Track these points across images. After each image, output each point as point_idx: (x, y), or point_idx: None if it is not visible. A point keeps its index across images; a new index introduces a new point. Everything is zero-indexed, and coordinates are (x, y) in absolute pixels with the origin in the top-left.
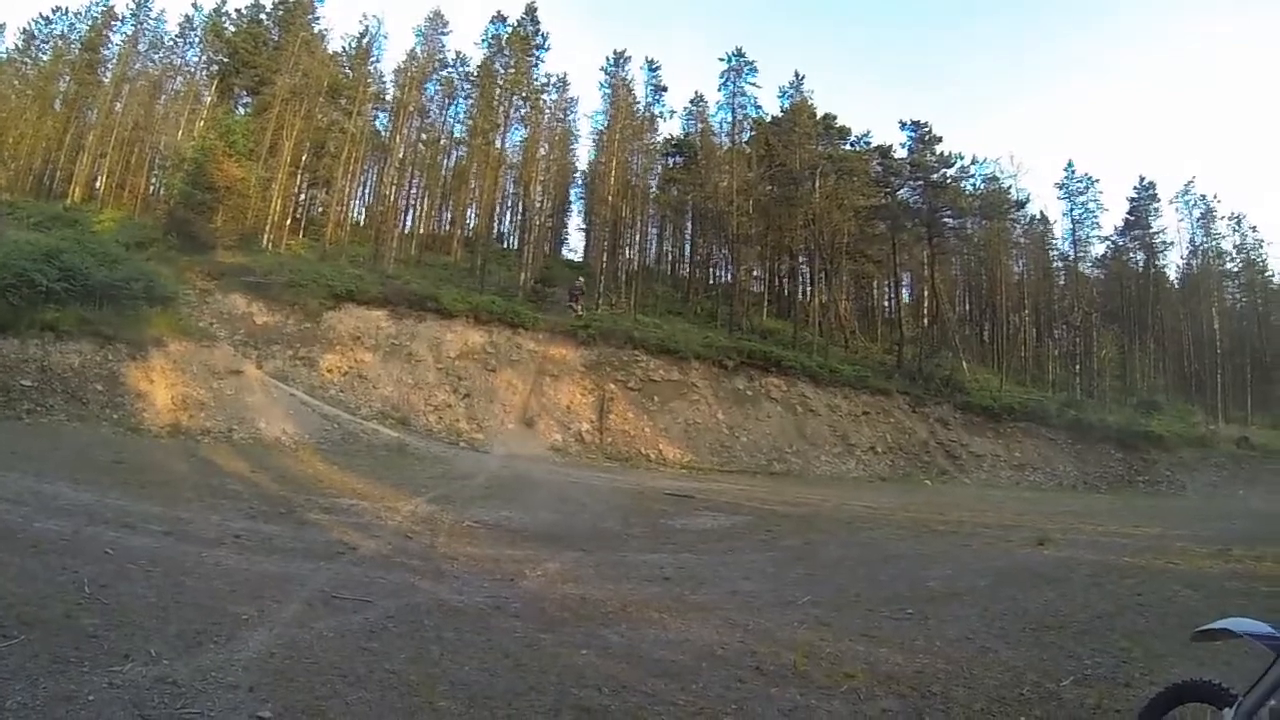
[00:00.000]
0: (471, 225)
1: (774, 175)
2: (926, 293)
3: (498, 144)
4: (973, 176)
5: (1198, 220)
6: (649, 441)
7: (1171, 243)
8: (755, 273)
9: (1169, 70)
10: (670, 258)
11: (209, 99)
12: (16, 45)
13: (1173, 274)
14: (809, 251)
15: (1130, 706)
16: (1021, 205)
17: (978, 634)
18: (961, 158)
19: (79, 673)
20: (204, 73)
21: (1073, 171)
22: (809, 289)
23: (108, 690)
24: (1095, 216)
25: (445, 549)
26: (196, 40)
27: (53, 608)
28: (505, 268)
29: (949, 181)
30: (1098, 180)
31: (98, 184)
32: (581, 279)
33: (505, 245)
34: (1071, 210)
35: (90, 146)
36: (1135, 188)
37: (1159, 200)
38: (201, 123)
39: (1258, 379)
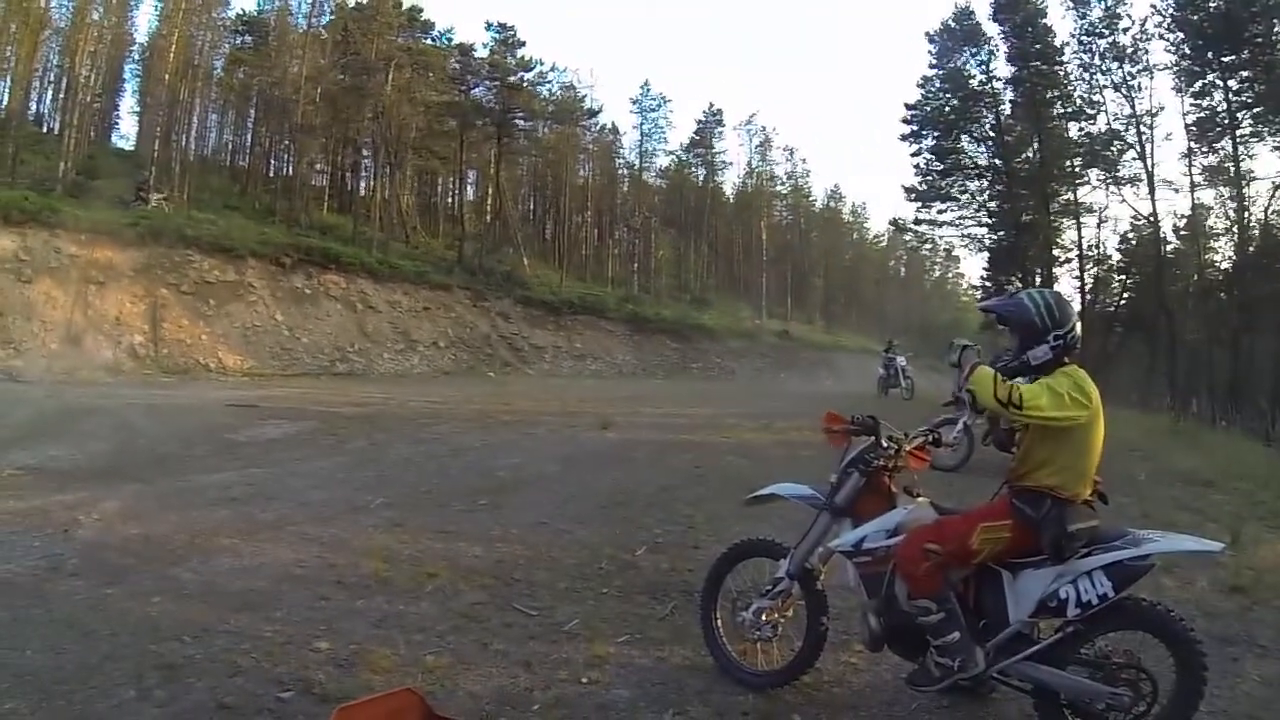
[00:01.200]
0: (2, 104)
1: (347, 64)
2: (491, 191)
3: (41, 2)
4: (550, 83)
5: (756, 147)
6: (207, 350)
7: (731, 163)
8: (318, 166)
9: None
10: (230, 147)
11: None
12: None
13: (729, 190)
14: (375, 145)
15: (700, 566)
16: (594, 114)
17: (552, 518)
18: (542, 63)
19: None
20: None
21: (648, 89)
22: (373, 183)
23: None
24: (664, 132)
25: None
26: None
27: None
28: (42, 156)
29: (525, 85)
30: (670, 100)
31: None
32: (148, 172)
33: (43, 129)
34: (643, 124)
35: None
36: (704, 112)
37: (724, 125)
38: None
39: (796, 283)
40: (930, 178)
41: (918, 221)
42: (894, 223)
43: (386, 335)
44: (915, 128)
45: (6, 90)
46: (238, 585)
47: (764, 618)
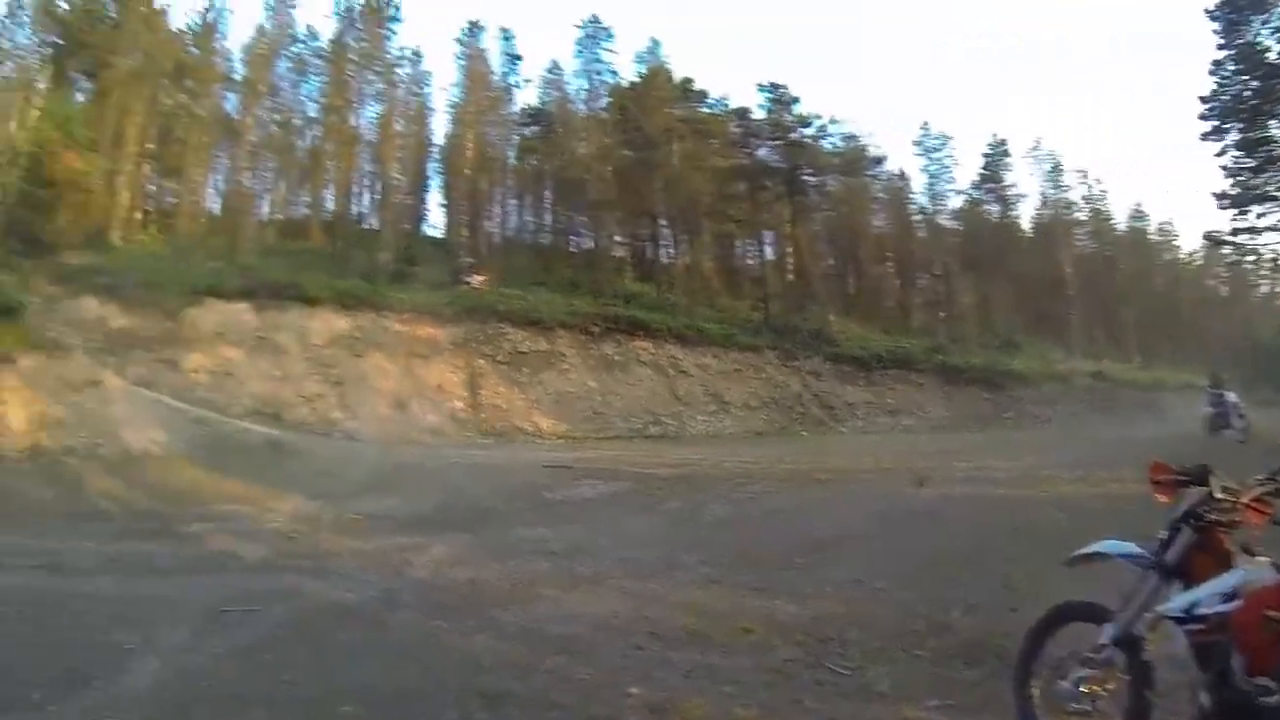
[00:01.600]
0: (329, 209)
1: (630, 140)
2: (790, 250)
3: (352, 122)
4: (831, 136)
5: (1047, 174)
6: (523, 414)
7: (1024, 195)
8: (617, 238)
9: (1018, 33)
10: (531, 228)
11: (43, 86)
12: None
13: (1026, 224)
14: (669, 215)
15: (1016, 630)
16: (879, 162)
17: (867, 576)
18: (819, 117)
19: None
20: (35, 57)
21: (929, 130)
22: (673, 251)
23: None
24: (950, 171)
25: (329, 545)
26: (25, 21)
27: None
28: (367, 249)
29: (808, 141)
30: (952, 138)
31: None
32: (471, 260)
33: (365, 226)
34: (929, 166)
35: None
36: (989, 144)
37: (1011, 156)
38: (35, 113)
39: (1105, 316)
40: (1241, 178)
41: (1234, 232)
42: (1208, 237)
43: (698, 398)
44: (1215, 122)
45: (332, 197)
46: (555, 631)
47: (1083, 689)
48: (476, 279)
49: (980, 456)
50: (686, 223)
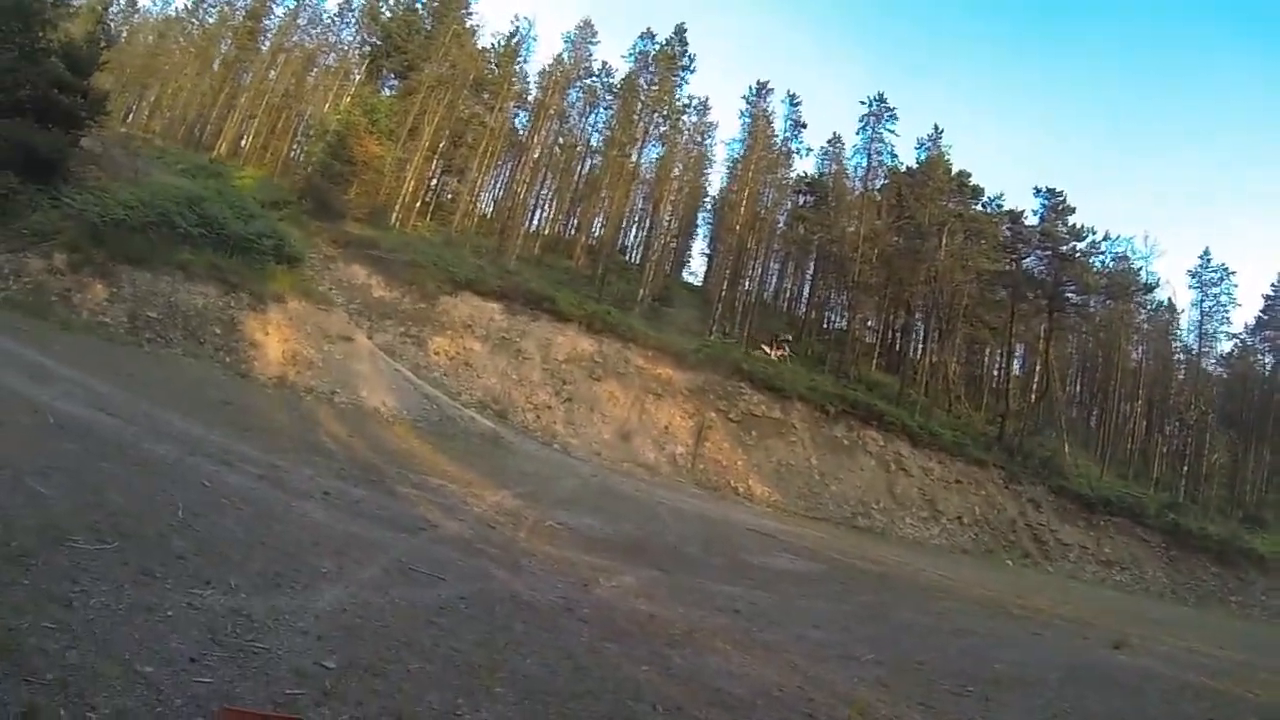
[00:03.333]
0: (596, 234)
1: (901, 227)
2: (1038, 367)
3: (633, 158)
4: (1103, 253)
5: None
6: (740, 475)
7: None
8: (869, 323)
9: None
10: (788, 295)
11: (358, 77)
12: (186, 5)
13: None
14: (926, 309)
15: None
16: (1150, 289)
17: None
18: (1094, 232)
19: (162, 589)
20: (356, 52)
21: (1208, 260)
22: (921, 347)
23: (186, 610)
24: (1227, 310)
25: (525, 544)
26: (353, 21)
27: (149, 524)
28: (625, 281)
29: (1078, 255)
30: (1234, 272)
31: (243, 143)
32: (789, 336)
33: (628, 258)
34: (1202, 301)
35: (241, 107)
36: (1273, 284)
37: None
38: (348, 99)
39: None
40: None
41: None
42: None
43: (913, 500)
44: None
45: (602, 225)
46: (719, 685)
47: None
48: (777, 352)
49: (1193, 636)
50: (941, 320)
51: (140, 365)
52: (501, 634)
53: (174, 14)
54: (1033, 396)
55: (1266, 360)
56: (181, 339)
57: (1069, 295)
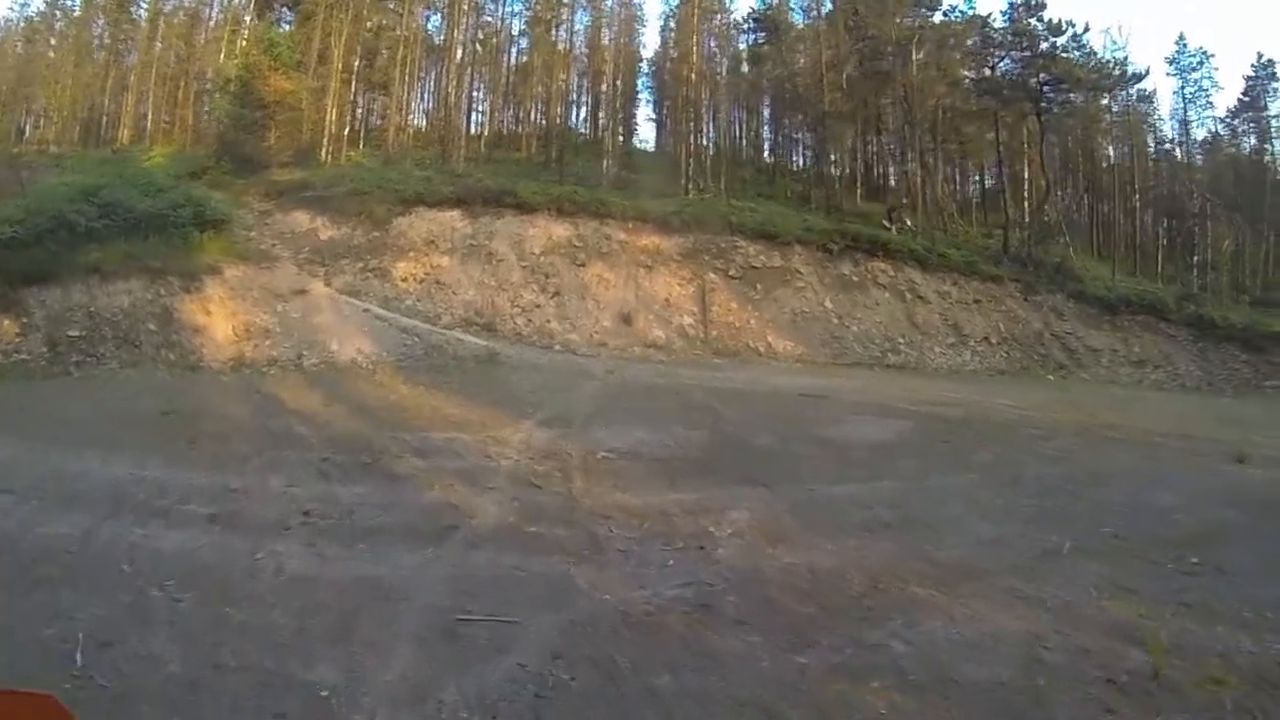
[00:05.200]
0: (537, 121)
1: (862, 49)
2: (1028, 175)
3: (562, 34)
4: (1085, 47)
5: None
6: (756, 334)
7: None
8: (845, 155)
9: None
10: (747, 143)
11: (250, 19)
12: (44, 1)
13: None
14: (901, 130)
15: None
16: (1140, 78)
17: None
18: (1073, 25)
19: None
20: None
21: (1184, 44)
22: (905, 170)
23: None
24: (1208, 95)
25: (588, 501)
26: None
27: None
28: (583, 158)
29: (1059, 52)
30: (1213, 55)
31: (147, 124)
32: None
33: (580, 135)
34: (1183, 88)
35: (133, 86)
36: (1253, 65)
37: (1278, 80)
38: (243, 43)
39: None
40: None
41: None
42: None
43: (937, 328)
44: None
45: (542, 113)
46: (972, 670)
47: None
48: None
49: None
50: (922, 138)
51: (62, 400)
52: (647, 712)
53: (34, 15)
54: (1027, 204)
55: (1246, 142)
56: (114, 350)
57: (1054, 94)
